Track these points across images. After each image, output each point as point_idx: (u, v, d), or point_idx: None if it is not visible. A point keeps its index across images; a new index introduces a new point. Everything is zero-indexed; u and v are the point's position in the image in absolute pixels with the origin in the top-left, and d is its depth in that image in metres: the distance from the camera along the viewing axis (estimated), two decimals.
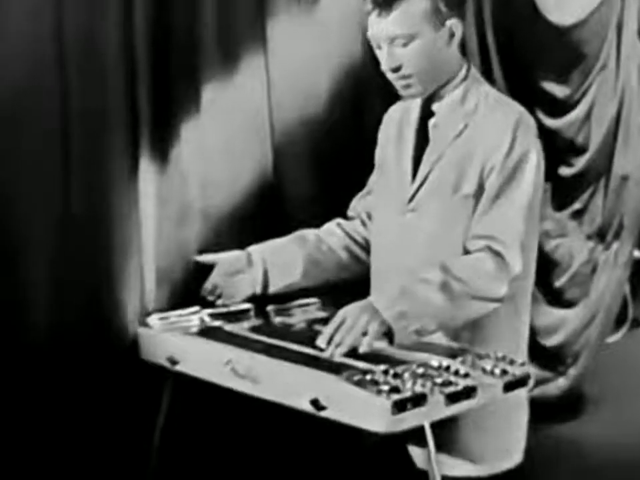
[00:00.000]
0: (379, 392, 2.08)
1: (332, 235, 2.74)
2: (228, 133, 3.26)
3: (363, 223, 2.76)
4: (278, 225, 3.14)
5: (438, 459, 2.19)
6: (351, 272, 2.76)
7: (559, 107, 4.57)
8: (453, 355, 2.32)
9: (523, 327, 2.56)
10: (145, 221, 3.12)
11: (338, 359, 2.28)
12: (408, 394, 2.09)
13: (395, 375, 2.16)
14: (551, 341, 4.70)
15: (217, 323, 2.65)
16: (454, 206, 2.46)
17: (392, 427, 2.07)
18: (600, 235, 4.88)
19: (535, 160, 2.43)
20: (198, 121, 3.20)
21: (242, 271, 2.65)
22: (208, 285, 2.62)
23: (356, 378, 2.14)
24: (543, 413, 3.16)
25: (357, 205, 2.78)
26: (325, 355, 2.28)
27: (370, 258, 2.68)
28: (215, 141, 3.23)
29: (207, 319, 2.67)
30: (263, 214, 3.33)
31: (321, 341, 2.31)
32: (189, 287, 2.93)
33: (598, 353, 4.82)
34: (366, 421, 2.09)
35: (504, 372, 2.25)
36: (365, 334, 2.28)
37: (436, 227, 2.48)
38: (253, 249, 2.68)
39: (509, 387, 2.23)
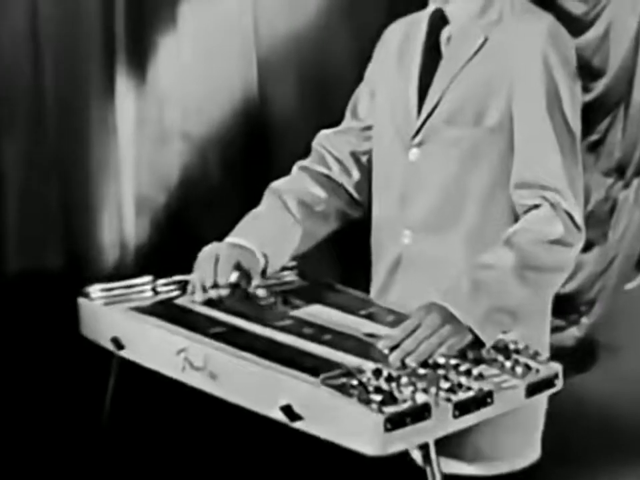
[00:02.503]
0: (368, 402, 1.61)
1: (319, 203, 2.24)
2: (209, 50, 3.13)
3: (346, 169, 2.27)
4: (263, 148, 3.05)
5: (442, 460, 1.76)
6: (339, 227, 2.31)
7: (574, 26, 4.13)
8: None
9: (547, 309, 2.14)
10: (123, 144, 3.01)
11: (316, 349, 1.83)
12: (406, 405, 1.62)
13: (390, 378, 1.68)
14: (564, 288, 4.30)
15: (174, 294, 2.17)
16: (475, 142, 2.03)
17: (384, 448, 1.61)
18: (619, 171, 4.54)
19: (572, 81, 2.02)
20: (177, 39, 3.07)
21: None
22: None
23: (337, 381, 1.67)
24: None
25: (336, 141, 2.29)
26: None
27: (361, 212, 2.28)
28: (195, 59, 3.11)
29: (162, 289, 2.18)
30: (247, 136, 3.19)
31: (384, 344, 1.83)
32: (170, 215, 2.87)
33: (615, 301, 4.46)
34: (351, 439, 1.63)
35: (527, 368, 1.78)
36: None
37: (451, 168, 2.05)
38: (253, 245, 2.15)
39: (533, 390, 1.76)
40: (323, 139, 2.31)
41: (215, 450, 2.73)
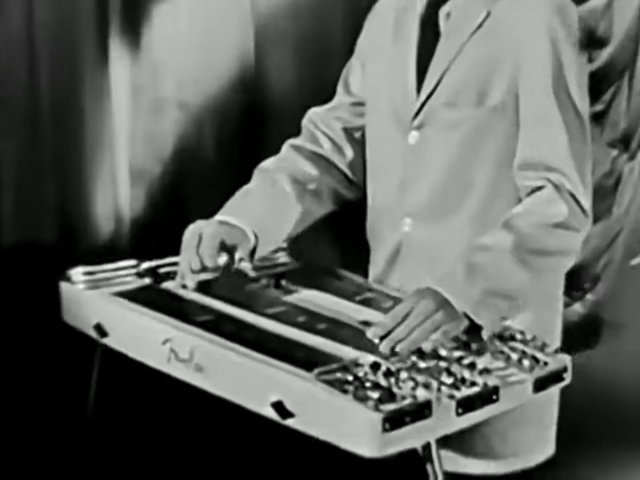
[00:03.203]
0: (365, 399, 1.50)
1: (311, 181, 2.11)
2: (206, 19, 3.06)
3: (338, 147, 2.14)
4: (259, 118, 2.98)
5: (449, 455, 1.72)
6: (333, 208, 2.18)
7: None
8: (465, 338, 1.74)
9: (559, 291, 2.00)
10: (117, 113, 2.94)
11: (309, 339, 1.71)
12: (406, 402, 1.50)
13: (389, 373, 1.56)
14: None
15: (160, 277, 2.05)
16: (478, 123, 1.91)
17: (383, 450, 1.49)
18: (624, 142, 4.42)
19: (579, 57, 1.92)
20: (173, 6, 3.00)
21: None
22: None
23: (332, 376, 1.55)
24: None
25: (328, 118, 2.16)
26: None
27: (356, 192, 2.15)
28: (191, 28, 3.04)
29: (147, 272, 2.07)
30: (243, 106, 3.11)
31: (375, 332, 1.72)
32: (166, 187, 2.82)
33: (620, 277, 4.35)
34: (346, 440, 1.51)
35: (535, 361, 1.66)
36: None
37: (453, 152, 1.94)
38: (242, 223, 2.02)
39: (541, 384, 1.64)
40: (314, 116, 2.18)
41: (207, 446, 2.61)
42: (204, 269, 1.92)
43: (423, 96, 1.95)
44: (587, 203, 1.89)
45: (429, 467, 1.60)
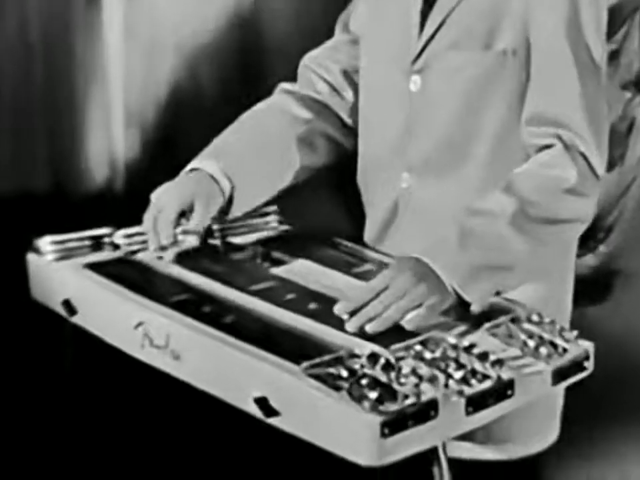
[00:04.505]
0: (361, 398, 1.30)
1: (303, 124, 1.91)
2: None
3: (335, 90, 1.95)
4: (258, 61, 2.86)
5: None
6: (328, 162, 1.97)
7: None
8: (474, 319, 1.53)
9: (571, 258, 1.82)
10: (110, 55, 2.81)
11: (298, 323, 1.52)
12: (408, 402, 1.30)
13: (388, 366, 1.36)
14: None
15: (137, 247, 1.85)
16: (485, 68, 1.72)
17: (381, 458, 1.30)
18: (638, 85, 4.19)
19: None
20: None
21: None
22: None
23: (323, 370, 1.36)
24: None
25: (325, 59, 1.97)
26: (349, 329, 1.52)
27: (355, 142, 1.93)
28: None
29: (122, 242, 1.87)
30: (241, 46, 2.94)
31: (342, 308, 1.53)
32: (161, 130, 2.72)
33: (634, 228, 4.18)
34: (339, 445, 1.32)
35: (553, 348, 1.46)
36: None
37: (459, 100, 1.74)
38: (214, 167, 1.81)
39: (561, 375, 1.45)
40: (310, 60, 1.98)
41: (195, 435, 2.43)
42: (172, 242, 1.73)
43: (425, 36, 1.76)
44: (600, 165, 1.69)
45: (435, 470, 1.41)
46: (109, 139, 2.82)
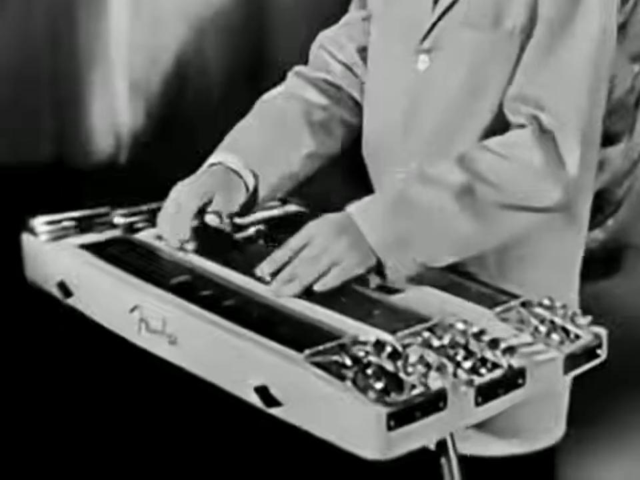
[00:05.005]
0: (365, 388, 1.24)
1: (319, 111, 1.84)
2: None
3: (351, 70, 1.88)
4: (265, 29, 2.87)
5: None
6: (345, 147, 1.90)
7: None
8: (484, 302, 1.47)
9: (577, 251, 1.75)
10: (115, 26, 2.83)
11: (301, 308, 1.45)
12: (415, 393, 1.24)
13: (395, 354, 1.30)
14: None
15: (135, 227, 1.79)
16: (492, 46, 1.63)
17: (387, 451, 1.24)
18: None
19: None
20: None
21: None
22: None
23: (327, 358, 1.30)
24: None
25: (339, 37, 1.90)
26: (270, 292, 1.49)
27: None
28: None
29: (121, 221, 1.81)
30: (248, 18, 2.95)
31: (263, 269, 1.51)
32: (166, 102, 2.72)
33: None
34: (343, 437, 1.26)
35: (564, 333, 1.40)
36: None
37: (463, 78, 1.65)
38: (239, 162, 1.74)
39: (573, 363, 1.39)
40: (323, 39, 1.92)
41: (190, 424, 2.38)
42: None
43: (438, 11, 1.68)
44: (573, 162, 1.56)
45: (445, 465, 1.35)
46: (114, 110, 2.82)
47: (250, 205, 1.74)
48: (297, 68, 1.91)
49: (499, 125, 1.64)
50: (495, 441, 1.69)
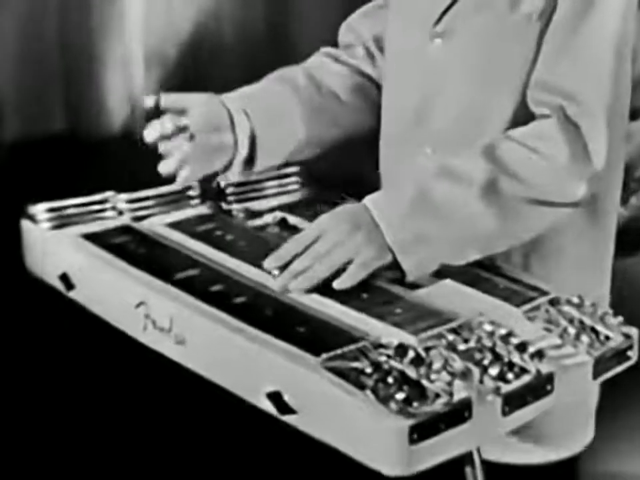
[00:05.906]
0: (386, 399, 1.15)
1: (330, 74, 1.78)
2: None
3: (370, 55, 1.83)
4: (287, 4, 2.74)
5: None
6: (367, 125, 1.81)
7: None
8: (511, 300, 1.39)
9: (607, 246, 1.69)
10: None
11: (317, 305, 1.37)
12: (440, 403, 1.16)
13: (418, 359, 1.21)
14: None
15: (142, 213, 1.71)
16: (509, 31, 1.55)
17: (409, 467, 1.15)
18: None
19: None
20: None
21: (220, 131, 1.67)
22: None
23: (344, 364, 1.21)
24: None
25: (359, 25, 1.84)
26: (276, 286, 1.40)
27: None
28: None
29: (125, 207, 1.72)
30: None
31: (271, 262, 1.42)
32: (182, 72, 2.65)
33: None
34: (362, 451, 1.17)
35: (594, 334, 1.31)
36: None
37: (478, 63, 1.57)
38: (233, 103, 1.68)
39: (602, 367, 1.30)
40: (351, 23, 1.86)
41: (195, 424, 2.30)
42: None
43: None
44: (599, 153, 1.49)
45: (468, 471, 1.27)
46: (128, 80, 2.77)
47: (250, 162, 1.67)
48: (325, 49, 1.85)
49: (520, 113, 1.57)
50: (514, 446, 1.60)
